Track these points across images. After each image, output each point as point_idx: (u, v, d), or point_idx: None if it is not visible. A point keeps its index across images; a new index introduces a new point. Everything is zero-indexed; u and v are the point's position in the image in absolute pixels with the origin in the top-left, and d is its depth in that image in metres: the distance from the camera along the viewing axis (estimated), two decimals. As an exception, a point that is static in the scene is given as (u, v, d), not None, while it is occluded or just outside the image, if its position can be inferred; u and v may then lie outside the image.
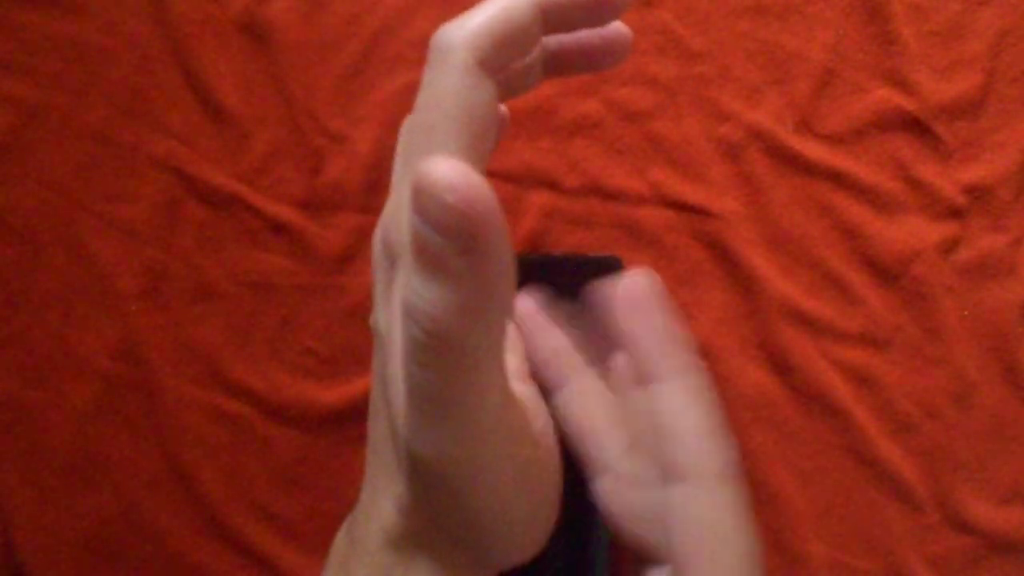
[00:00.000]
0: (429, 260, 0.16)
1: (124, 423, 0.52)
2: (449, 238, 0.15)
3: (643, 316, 0.23)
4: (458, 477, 0.19)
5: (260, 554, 0.51)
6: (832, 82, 0.54)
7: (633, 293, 0.24)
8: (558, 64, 0.25)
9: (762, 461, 0.51)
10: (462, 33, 0.20)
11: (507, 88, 0.23)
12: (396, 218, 0.21)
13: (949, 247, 0.52)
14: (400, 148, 0.23)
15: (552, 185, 0.54)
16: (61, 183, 0.54)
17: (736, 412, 0.51)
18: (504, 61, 0.21)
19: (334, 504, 0.52)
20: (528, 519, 0.20)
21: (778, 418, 0.51)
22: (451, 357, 0.17)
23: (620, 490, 0.23)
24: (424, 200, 0.15)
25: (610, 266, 0.46)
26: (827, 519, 0.51)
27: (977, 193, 0.53)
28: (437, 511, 0.20)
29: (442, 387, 0.18)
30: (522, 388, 0.22)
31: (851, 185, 0.53)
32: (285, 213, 0.54)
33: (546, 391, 0.25)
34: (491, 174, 0.54)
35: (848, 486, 0.51)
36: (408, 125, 0.22)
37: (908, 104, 0.53)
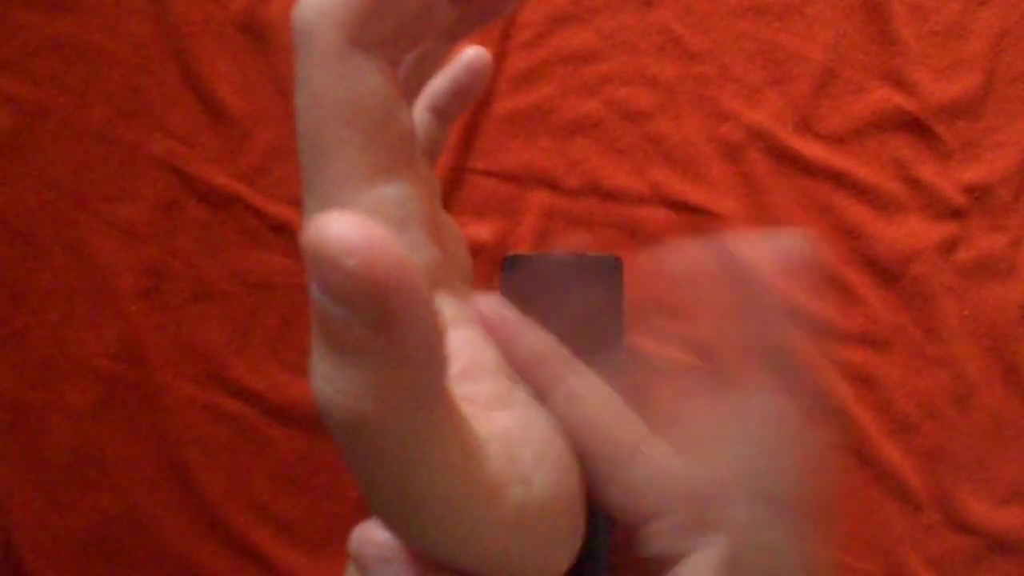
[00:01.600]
0: (334, 337, 0.13)
1: (124, 423, 0.52)
2: (355, 310, 0.13)
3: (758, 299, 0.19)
4: (438, 555, 0.17)
5: (260, 554, 0.51)
6: (832, 82, 0.54)
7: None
8: None
9: (762, 461, 0.51)
10: (321, 8, 0.16)
11: (406, 43, 0.19)
12: None
13: (949, 247, 0.52)
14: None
15: (552, 185, 0.54)
16: (61, 183, 0.54)
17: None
18: (385, 30, 0.17)
19: (334, 504, 0.52)
20: (538, 558, 0.18)
21: (778, 418, 0.51)
22: (375, 450, 0.14)
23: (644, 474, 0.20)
24: (319, 267, 0.12)
25: (610, 266, 0.46)
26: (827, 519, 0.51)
27: (977, 193, 0.53)
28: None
29: (377, 483, 0.15)
30: (500, 419, 0.18)
31: (851, 185, 0.53)
32: (285, 213, 0.54)
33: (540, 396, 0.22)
34: (491, 174, 0.54)
35: (848, 486, 0.51)
36: (298, 134, 0.19)
37: (908, 104, 0.53)
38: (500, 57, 0.54)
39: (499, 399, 0.19)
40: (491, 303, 0.22)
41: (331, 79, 0.17)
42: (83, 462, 0.52)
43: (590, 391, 0.22)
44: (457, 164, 0.54)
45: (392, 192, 0.18)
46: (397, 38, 0.18)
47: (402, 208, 0.18)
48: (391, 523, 0.16)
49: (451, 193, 0.54)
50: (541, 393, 0.22)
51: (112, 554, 0.51)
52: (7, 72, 0.55)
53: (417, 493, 0.15)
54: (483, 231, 0.53)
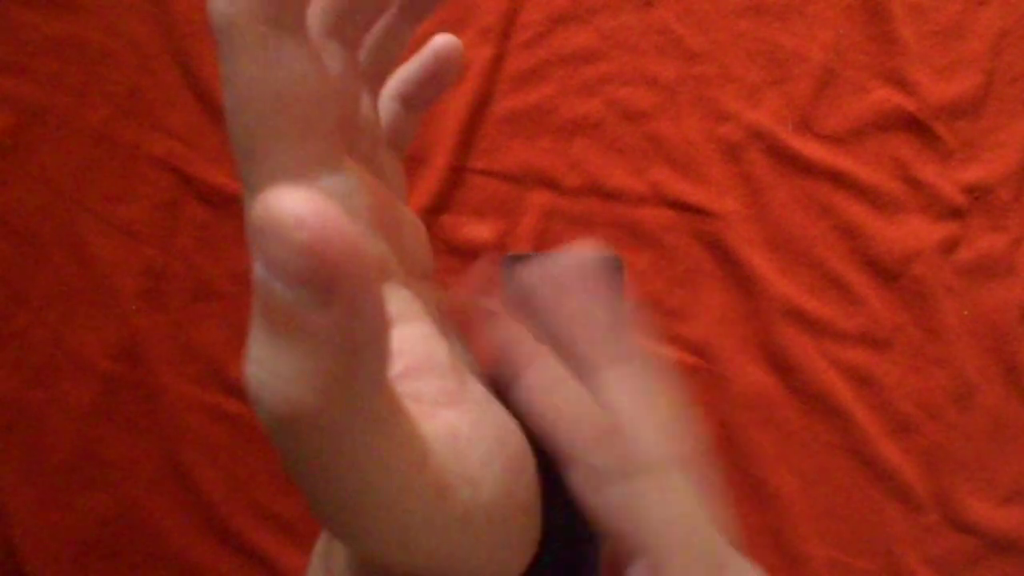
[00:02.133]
0: (277, 319, 0.12)
1: (124, 423, 0.52)
2: (302, 287, 0.12)
3: (577, 298, 0.21)
4: (383, 558, 0.16)
5: (260, 554, 0.51)
6: (832, 82, 0.54)
7: (569, 272, 0.21)
8: None
9: (763, 461, 0.51)
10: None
11: (358, 20, 0.18)
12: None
13: (949, 247, 0.52)
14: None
15: (552, 185, 0.54)
16: (61, 183, 0.54)
17: (736, 412, 0.51)
18: (314, 10, 0.16)
19: (334, 504, 0.52)
20: (489, 559, 0.18)
21: (778, 418, 0.51)
22: (314, 444, 0.13)
23: (593, 483, 0.20)
24: (266, 243, 0.12)
25: (610, 266, 0.46)
26: (827, 519, 0.51)
27: (977, 193, 0.53)
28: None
29: (317, 480, 0.14)
30: (447, 417, 0.17)
31: (851, 185, 0.53)
32: (285, 213, 0.54)
33: (504, 388, 0.22)
34: (491, 174, 0.54)
35: (848, 486, 0.51)
36: (229, 131, 0.17)
37: (908, 104, 0.53)
38: (500, 57, 0.54)
39: (448, 396, 0.18)
40: (458, 299, 0.21)
41: (256, 69, 0.16)
42: (83, 462, 0.52)
43: (554, 381, 0.21)
44: (457, 164, 0.54)
45: (332, 184, 0.17)
46: (342, 16, 0.17)
47: (344, 202, 0.17)
48: (332, 524, 0.16)
49: (451, 193, 0.54)
50: (508, 384, 0.21)
51: (112, 554, 0.51)
52: (7, 72, 0.55)
53: (357, 489, 0.14)
54: (483, 231, 0.53)
